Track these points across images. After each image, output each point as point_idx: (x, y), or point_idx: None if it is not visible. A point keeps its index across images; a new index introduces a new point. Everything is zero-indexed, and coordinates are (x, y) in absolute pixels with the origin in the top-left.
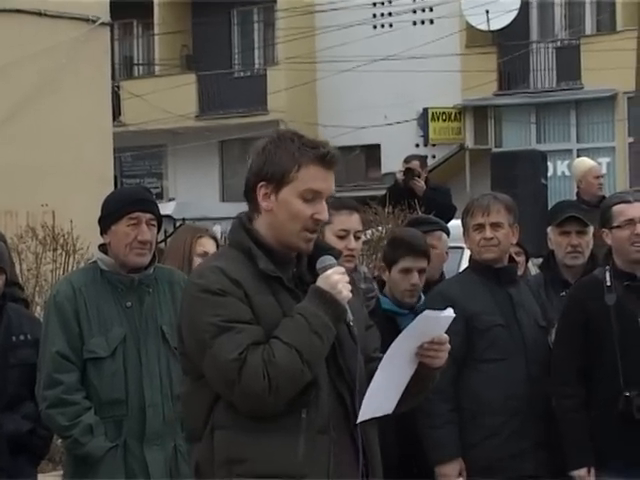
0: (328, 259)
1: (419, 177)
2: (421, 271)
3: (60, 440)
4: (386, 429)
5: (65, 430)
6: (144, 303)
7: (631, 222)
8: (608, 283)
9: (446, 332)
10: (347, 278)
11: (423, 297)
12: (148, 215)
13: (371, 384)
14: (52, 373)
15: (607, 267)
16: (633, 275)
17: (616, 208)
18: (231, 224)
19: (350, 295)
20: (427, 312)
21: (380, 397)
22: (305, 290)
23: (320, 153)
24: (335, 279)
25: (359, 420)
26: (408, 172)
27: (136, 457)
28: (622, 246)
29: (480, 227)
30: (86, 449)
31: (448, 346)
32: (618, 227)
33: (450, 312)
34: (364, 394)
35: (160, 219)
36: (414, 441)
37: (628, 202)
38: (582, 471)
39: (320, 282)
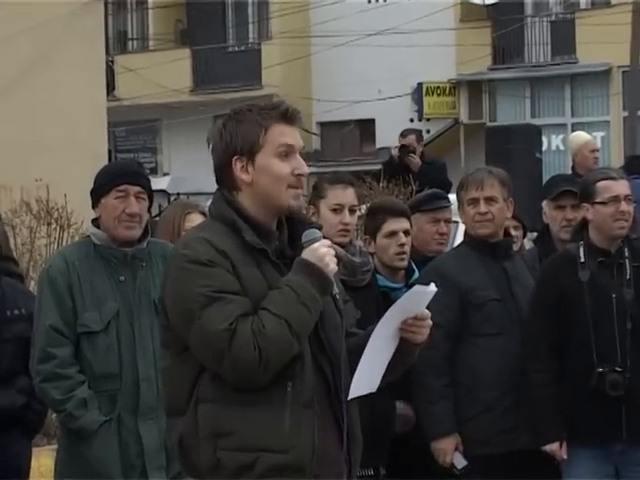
0: (314, 232)
1: (414, 153)
2: (406, 232)
3: (55, 414)
4: (384, 405)
5: (59, 404)
6: (137, 277)
7: (616, 199)
8: (582, 259)
9: (441, 307)
10: (333, 251)
11: (417, 272)
12: (136, 188)
13: (361, 361)
14: (46, 347)
15: (581, 242)
16: (607, 251)
17: (601, 184)
18: (213, 197)
19: (336, 268)
20: (417, 287)
21: (368, 374)
22: (286, 264)
23: (281, 111)
24: (322, 252)
25: (350, 397)
26: (403, 149)
27: (130, 431)
28: (605, 222)
29: (474, 201)
30: (80, 423)
31: (430, 322)
32: (602, 203)
33: (433, 287)
34: (346, 368)
35: (151, 193)
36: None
37: (613, 179)
38: (554, 445)
39: (307, 254)
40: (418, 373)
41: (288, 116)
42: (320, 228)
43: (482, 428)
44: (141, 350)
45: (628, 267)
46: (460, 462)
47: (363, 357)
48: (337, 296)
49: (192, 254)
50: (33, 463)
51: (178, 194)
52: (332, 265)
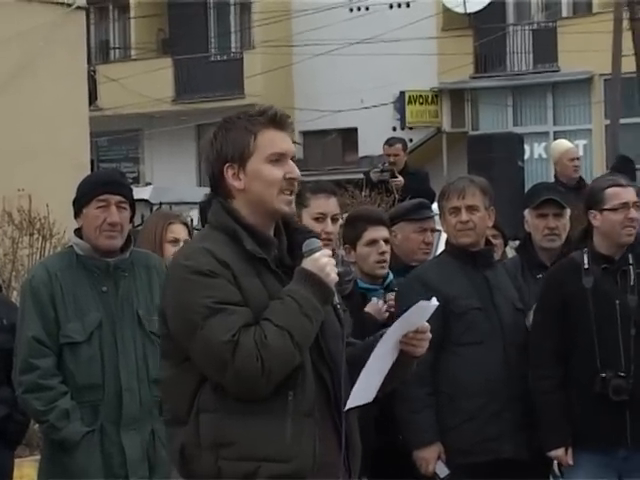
0: (314, 242)
1: (394, 176)
2: (385, 241)
3: (37, 425)
4: (365, 415)
5: (41, 415)
6: (120, 287)
7: (625, 206)
8: (586, 266)
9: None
10: (334, 261)
11: (391, 274)
12: (117, 197)
13: (362, 373)
14: (28, 358)
15: (585, 250)
16: (611, 258)
17: (610, 191)
18: (211, 206)
19: (337, 278)
20: (421, 302)
21: (366, 385)
22: (286, 272)
23: (269, 116)
24: (323, 262)
25: (347, 407)
26: (381, 182)
27: (113, 442)
28: (613, 229)
29: (456, 210)
30: (62, 434)
31: (429, 335)
32: (612, 210)
33: (434, 302)
34: (346, 377)
35: (133, 202)
36: (392, 426)
37: (621, 186)
38: (559, 451)
39: (308, 264)
40: (401, 382)
41: (277, 121)
42: (319, 237)
43: (465, 437)
44: (124, 360)
45: (632, 274)
46: (442, 471)
47: (365, 369)
48: (338, 306)
49: (194, 265)
50: (15, 474)
51: (160, 204)
52: (333, 275)
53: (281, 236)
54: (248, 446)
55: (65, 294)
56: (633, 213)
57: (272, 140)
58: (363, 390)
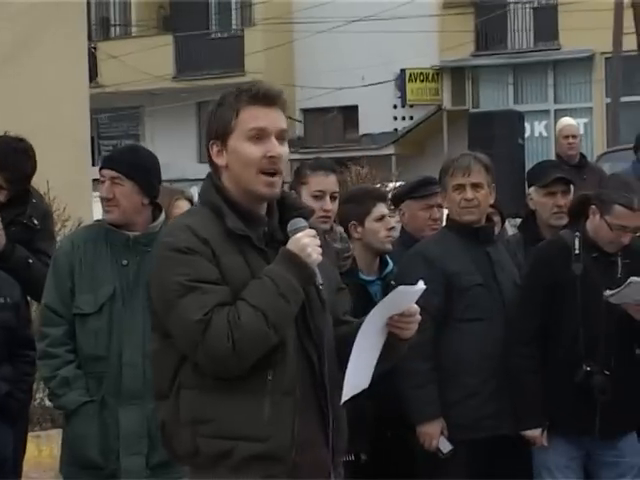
0: (299, 222)
1: None
2: (389, 217)
3: (37, 402)
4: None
5: (46, 382)
6: (142, 262)
7: (624, 229)
8: (577, 251)
9: (427, 291)
10: (317, 241)
11: (391, 264)
12: (112, 173)
13: (350, 361)
14: (41, 326)
15: (577, 234)
16: (602, 248)
17: (620, 210)
18: (202, 183)
19: (320, 258)
20: (401, 287)
21: (359, 372)
22: (276, 249)
23: (252, 93)
24: (305, 242)
25: (343, 400)
26: None
27: (112, 414)
28: (605, 237)
29: (460, 187)
30: (60, 402)
31: (418, 317)
32: (611, 225)
33: (421, 285)
34: (331, 357)
35: (136, 177)
36: (391, 403)
37: (632, 210)
38: (536, 432)
39: (290, 245)
40: (404, 357)
41: (260, 96)
42: (310, 214)
43: (466, 413)
44: (128, 334)
45: (620, 265)
46: (445, 446)
47: (352, 357)
48: (320, 287)
49: (172, 241)
50: None
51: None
52: (315, 255)
53: (273, 211)
54: (225, 424)
55: (83, 265)
56: (627, 237)
57: (253, 116)
58: (356, 377)
